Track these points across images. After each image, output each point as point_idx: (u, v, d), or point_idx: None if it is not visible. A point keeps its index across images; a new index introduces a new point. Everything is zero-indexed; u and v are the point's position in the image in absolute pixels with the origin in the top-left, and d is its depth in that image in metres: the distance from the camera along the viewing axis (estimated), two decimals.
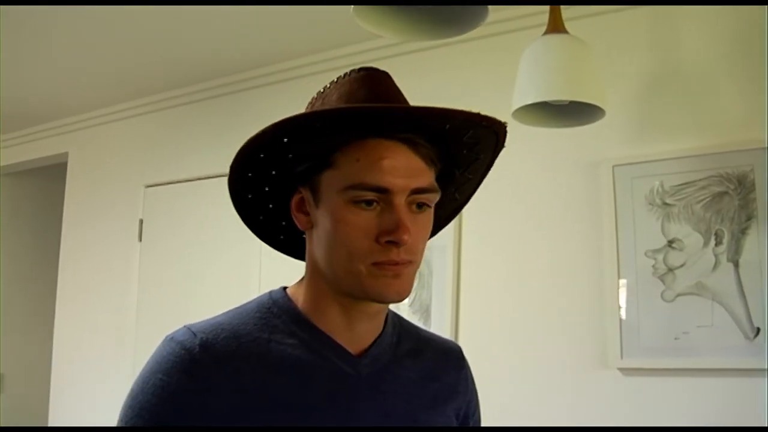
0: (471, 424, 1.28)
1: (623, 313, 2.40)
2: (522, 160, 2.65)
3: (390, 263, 1.02)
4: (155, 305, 3.69)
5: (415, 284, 2.70)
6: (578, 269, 2.53)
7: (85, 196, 4.26)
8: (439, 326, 2.59)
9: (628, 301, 2.41)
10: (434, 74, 2.87)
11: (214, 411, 1.02)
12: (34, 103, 4.14)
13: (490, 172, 1.21)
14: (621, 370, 2.40)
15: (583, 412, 2.44)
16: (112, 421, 3.64)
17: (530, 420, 2.48)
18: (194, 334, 1.07)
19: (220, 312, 1.15)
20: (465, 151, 1.12)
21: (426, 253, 2.70)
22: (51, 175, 4.87)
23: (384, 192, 1.02)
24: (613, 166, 2.48)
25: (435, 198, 1.06)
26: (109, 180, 4.09)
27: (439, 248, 2.69)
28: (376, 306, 1.10)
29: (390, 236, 1.01)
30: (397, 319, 1.23)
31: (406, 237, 1.01)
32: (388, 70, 1.14)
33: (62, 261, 4.36)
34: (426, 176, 1.05)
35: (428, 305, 2.68)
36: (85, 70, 3.54)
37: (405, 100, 1.13)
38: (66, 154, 4.41)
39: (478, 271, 2.68)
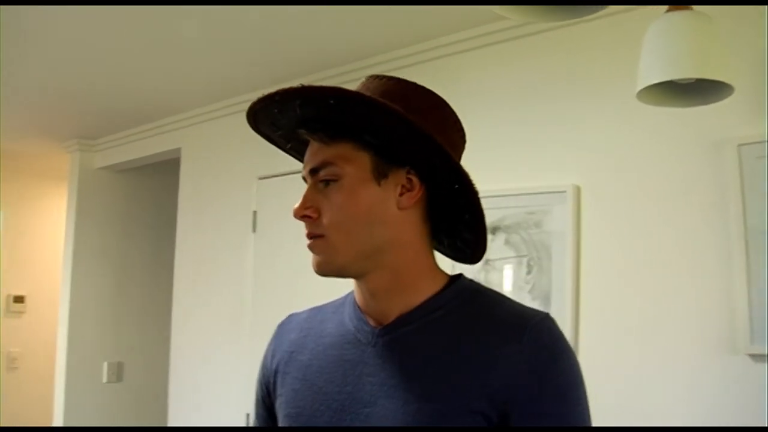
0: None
1: (753, 297, 2.33)
2: (643, 141, 2.58)
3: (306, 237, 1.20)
4: (270, 294, 3.77)
5: (534, 270, 2.70)
6: (704, 252, 2.45)
7: (198, 189, 4.38)
8: (559, 312, 2.56)
9: (758, 285, 2.32)
10: (554, 56, 2.80)
11: (273, 366, 1.31)
12: (147, 102, 4.28)
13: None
14: (750, 356, 2.32)
15: (709, 401, 2.37)
16: (231, 408, 3.76)
17: (652, 409, 2.42)
18: (292, 312, 1.40)
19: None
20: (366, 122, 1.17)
21: (544, 237, 2.66)
22: (166, 171, 5.02)
23: (306, 181, 1.22)
24: (739, 146, 2.40)
25: (333, 170, 1.16)
26: (221, 173, 4.19)
27: (557, 234, 2.66)
28: (365, 282, 1.21)
29: None
30: (468, 294, 1.21)
31: (295, 210, 1.18)
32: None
33: (178, 252, 4.49)
34: (319, 155, 1.18)
35: (548, 291, 2.65)
36: (195, 67, 3.63)
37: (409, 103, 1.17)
38: (179, 150, 4.54)
39: (598, 255, 2.63)
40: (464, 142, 1.27)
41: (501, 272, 2.82)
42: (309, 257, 3.92)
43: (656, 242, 2.55)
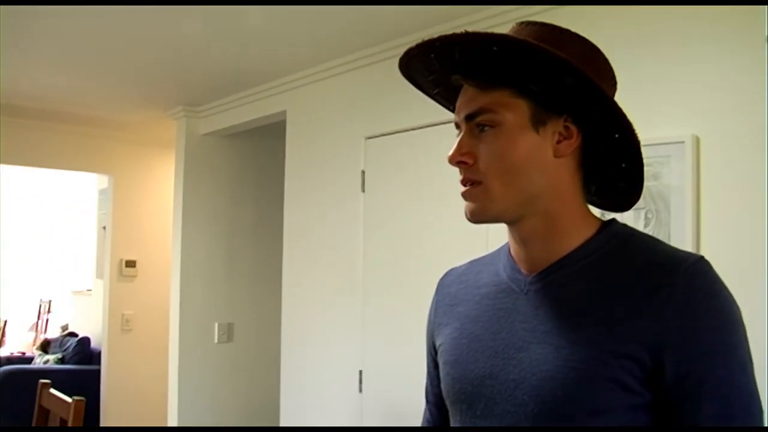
0: (682, 374, 1.06)
1: None
2: (765, 89, 2.48)
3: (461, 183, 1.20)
4: (380, 253, 3.79)
5: (652, 222, 2.65)
6: None
7: (305, 151, 4.42)
8: None
9: None
10: (672, 10, 2.71)
11: (435, 319, 1.39)
12: (251, 66, 4.32)
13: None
14: None
15: None
16: (342, 367, 3.80)
17: None
18: (452, 267, 1.44)
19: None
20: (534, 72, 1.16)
21: (662, 189, 2.58)
22: (271, 134, 5.09)
23: (458, 127, 1.22)
24: None
25: (492, 117, 1.16)
26: (328, 134, 4.21)
27: (676, 185, 2.59)
28: (519, 228, 1.22)
29: None
30: (621, 239, 1.20)
31: (450, 155, 1.19)
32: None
33: (286, 214, 4.55)
34: (476, 101, 1.17)
35: None
36: (299, 30, 3.64)
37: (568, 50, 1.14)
38: (284, 113, 4.59)
39: (720, 208, 2.53)
40: (615, 90, 1.25)
41: None
42: (420, 215, 3.88)
43: None
